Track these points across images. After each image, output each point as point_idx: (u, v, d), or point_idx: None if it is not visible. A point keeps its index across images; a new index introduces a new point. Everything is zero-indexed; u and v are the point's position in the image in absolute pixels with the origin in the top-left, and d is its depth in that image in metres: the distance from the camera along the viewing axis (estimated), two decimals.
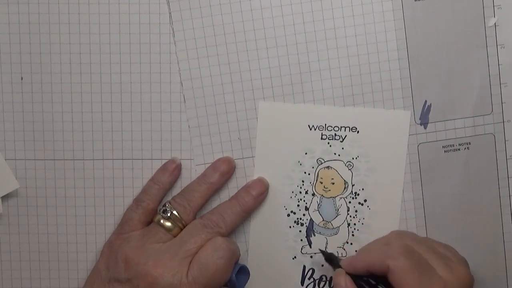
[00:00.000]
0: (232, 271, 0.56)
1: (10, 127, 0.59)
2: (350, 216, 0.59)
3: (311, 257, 0.59)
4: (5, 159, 0.59)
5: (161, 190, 0.58)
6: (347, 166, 0.58)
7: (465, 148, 0.58)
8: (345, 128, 0.58)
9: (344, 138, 0.58)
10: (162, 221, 0.56)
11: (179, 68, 0.58)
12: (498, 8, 0.57)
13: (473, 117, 0.58)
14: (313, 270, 0.59)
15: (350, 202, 0.59)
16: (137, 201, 0.58)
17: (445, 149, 0.58)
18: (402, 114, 0.58)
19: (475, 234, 0.59)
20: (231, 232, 0.58)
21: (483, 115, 0.58)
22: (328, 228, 0.59)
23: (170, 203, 0.57)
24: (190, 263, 0.54)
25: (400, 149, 0.58)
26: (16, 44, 0.58)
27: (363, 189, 0.58)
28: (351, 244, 0.59)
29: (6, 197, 0.59)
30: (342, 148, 0.58)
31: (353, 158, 0.58)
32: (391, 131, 0.58)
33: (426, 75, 0.58)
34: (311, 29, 0.57)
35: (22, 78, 0.58)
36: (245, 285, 0.58)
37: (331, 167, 0.58)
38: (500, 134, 0.58)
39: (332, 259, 0.57)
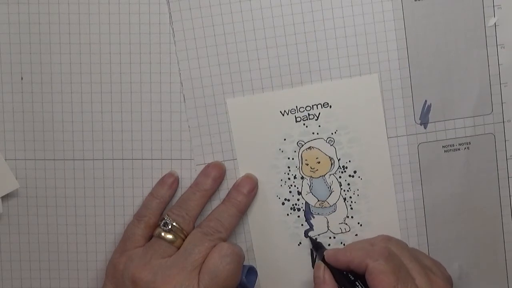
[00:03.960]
0: (242, 274, 0.56)
1: (10, 127, 0.59)
2: (344, 191, 0.59)
3: (316, 239, 0.59)
4: (5, 159, 0.59)
5: (161, 204, 0.58)
6: (329, 142, 0.58)
7: (465, 148, 0.58)
8: (317, 105, 0.58)
9: (318, 115, 0.58)
10: (163, 234, 0.56)
11: (179, 68, 0.58)
12: (498, 8, 0.57)
13: (473, 117, 0.58)
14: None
15: (340, 177, 0.59)
16: (138, 216, 0.57)
17: (445, 149, 0.58)
18: (370, 79, 0.57)
19: (475, 234, 0.59)
20: (231, 234, 0.58)
21: (483, 115, 0.58)
22: (325, 207, 0.59)
23: (168, 215, 0.56)
24: (199, 273, 0.54)
25: (377, 113, 0.58)
26: (16, 44, 0.58)
27: (350, 161, 0.59)
28: (352, 217, 0.59)
29: (6, 197, 0.59)
30: (319, 126, 0.58)
31: (332, 133, 0.58)
32: (363, 97, 0.58)
33: (426, 75, 0.58)
34: (311, 29, 0.57)
35: (22, 78, 0.58)
36: (254, 284, 0.58)
37: (313, 147, 0.59)
38: (500, 134, 0.58)
39: (319, 247, 0.58)
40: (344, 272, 0.54)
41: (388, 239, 0.56)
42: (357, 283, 0.53)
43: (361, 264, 0.53)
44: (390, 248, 0.54)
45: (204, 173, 0.58)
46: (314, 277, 0.55)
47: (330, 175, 0.59)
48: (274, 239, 0.60)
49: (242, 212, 0.58)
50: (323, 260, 0.56)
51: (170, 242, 0.55)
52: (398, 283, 0.51)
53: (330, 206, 0.59)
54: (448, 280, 0.55)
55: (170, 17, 0.57)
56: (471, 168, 0.59)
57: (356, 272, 0.54)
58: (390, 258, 0.52)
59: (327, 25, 0.57)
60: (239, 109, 0.58)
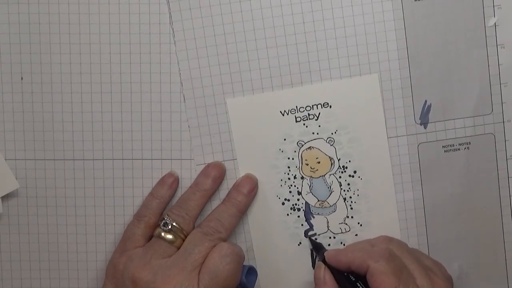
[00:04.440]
0: (241, 274, 0.56)
1: (10, 127, 0.59)
2: (344, 191, 0.59)
3: (316, 239, 0.59)
4: (5, 159, 0.59)
5: (161, 204, 0.58)
6: (329, 142, 0.58)
7: (465, 148, 0.58)
8: (317, 105, 0.58)
9: (318, 115, 0.58)
10: (163, 234, 0.56)
11: (179, 68, 0.58)
12: (498, 8, 0.57)
13: (473, 117, 0.58)
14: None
15: (340, 177, 0.59)
16: (138, 216, 0.57)
17: (445, 149, 0.58)
18: (370, 79, 0.57)
19: (475, 234, 0.59)
20: (231, 234, 0.58)
21: (483, 115, 0.58)
22: (325, 207, 0.59)
23: (168, 215, 0.56)
24: (199, 273, 0.54)
25: (377, 113, 0.58)
26: (16, 44, 0.58)
27: (350, 161, 0.59)
28: (352, 217, 0.59)
29: (6, 197, 0.59)
30: (319, 126, 0.58)
31: (332, 133, 0.58)
32: (363, 97, 0.58)
33: (426, 75, 0.58)
34: (311, 29, 0.57)
35: (22, 78, 0.58)
36: (254, 284, 0.58)
37: (313, 147, 0.59)
38: (500, 134, 0.58)
39: (319, 248, 0.58)
40: (345, 273, 0.54)
41: (389, 240, 0.56)
42: (358, 284, 0.53)
43: (362, 265, 0.53)
44: (391, 249, 0.54)
45: (204, 173, 0.58)
46: (315, 278, 0.55)
47: (330, 175, 0.59)
48: (274, 239, 0.60)
49: (242, 212, 0.58)
50: (324, 261, 0.55)
51: (170, 242, 0.55)
52: (399, 284, 0.51)
53: (330, 206, 0.59)
54: (449, 281, 0.55)
55: (170, 17, 0.57)
56: (471, 168, 0.59)
57: (357, 273, 0.54)
58: (391, 259, 0.52)
59: (327, 25, 0.57)
60: (239, 109, 0.58)
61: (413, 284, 0.51)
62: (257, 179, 0.59)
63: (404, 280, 0.51)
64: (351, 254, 0.54)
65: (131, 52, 0.58)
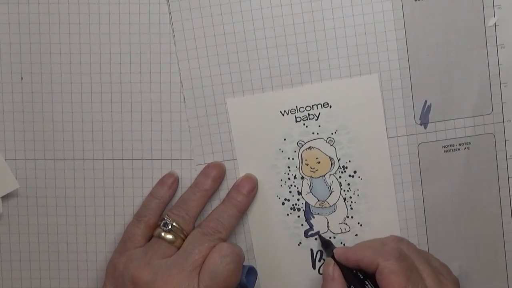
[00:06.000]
0: (242, 274, 0.56)
1: (10, 127, 0.59)
2: (344, 191, 0.59)
3: (316, 239, 0.59)
4: (5, 159, 0.59)
5: (161, 204, 0.58)
6: (329, 142, 0.58)
7: (465, 148, 0.58)
8: (317, 105, 0.58)
9: (318, 115, 0.58)
10: (163, 234, 0.56)
11: (179, 68, 0.58)
12: (498, 8, 0.57)
13: (473, 117, 0.58)
14: (322, 252, 0.59)
15: (340, 177, 0.59)
16: (138, 216, 0.57)
17: (445, 149, 0.58)
18: (370, 79, 0.57)
19: (475, 234, 0.59)
20: (231, 234, 0.58)
21: (483, 115, 0.58)
22: (325, 207, 0.59)
23: (168, 215, 0.56)
24: (199, 274, 0.54)
25: (376, 113, 0.58)
26: (16, 44, 0.58)
27: (350, 161, 0.59)
28: (352, 217, 0.59)
29: (6, 197, 0.59)
30: (319, 126, 0.58)
31: (332, 133, 0.58)
32: (363, 97, 0.58)
33: (426, 75, 0.58)
34: (311, 29, 0.57)
35: (22, 78, 0.58)
36: (254, 284, 0.58)
37: (313, 147, 0.59)
38: (500, 134, 0.58)
39: (328, 245, 0.58)
40: (354, 271, 0.54)
41: (399, 239, 0.56)
42: (366, 282, 0.53)
43: (372, 263, 0.52)
44: (401, 249, 0.54)
45: (204, 173, 0.58)
46: (324, 274, 0.55)
47: (330, 175, 0.59)
48: (274, 239, 0.60)
49: (242, 212, 0.58)
50: (333, 257, 0.55)
51: (170, 242, 0.55)
52: (408, 284, 0.51)
53: (330, 206, 0.59)
54: (456, 283, 0.55)
55: (170, 17, 0.57)
56: (471, 168, 0.59)
57: (366, 271, 0.53)
58: (402, 259, 0.52)
59: (327, 25, 0.57)
60: (239, 109, 0.58)
61: (422, 285, 0.51)
62: (257, 179, 0.59)
63: (413, 281, 0.51)
64: (360, 252, 0.54)
65: (131, 52, 0.58)
